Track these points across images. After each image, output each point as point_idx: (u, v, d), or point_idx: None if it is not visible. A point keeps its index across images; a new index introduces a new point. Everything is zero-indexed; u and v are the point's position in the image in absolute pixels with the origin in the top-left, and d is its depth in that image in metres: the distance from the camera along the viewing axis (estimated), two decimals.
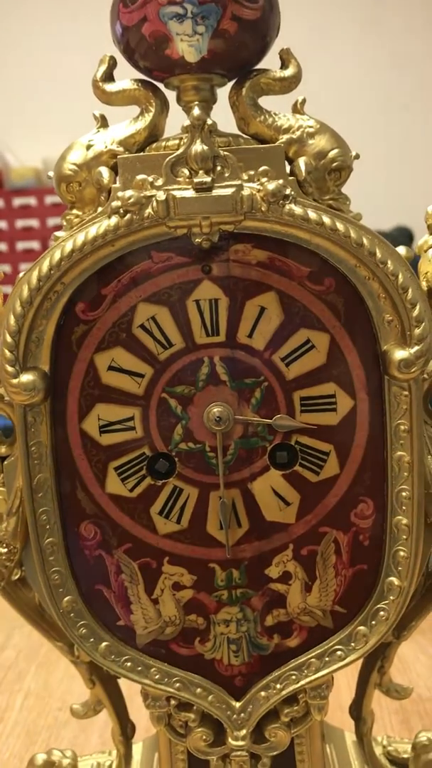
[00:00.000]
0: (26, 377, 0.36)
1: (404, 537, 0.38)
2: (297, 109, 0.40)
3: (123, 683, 0.50)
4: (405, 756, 0.53)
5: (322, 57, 2.83)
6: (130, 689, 0.50)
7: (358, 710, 0.49)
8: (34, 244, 2.70)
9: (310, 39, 2.80)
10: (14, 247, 2.66)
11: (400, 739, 0.57)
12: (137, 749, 0.55)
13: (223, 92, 0.42)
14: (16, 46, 2.88)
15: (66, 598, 0.39)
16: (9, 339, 0.36)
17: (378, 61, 2.92)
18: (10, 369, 0.36)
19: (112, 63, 0.41)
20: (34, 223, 2.71)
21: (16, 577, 0.44)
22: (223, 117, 0.41)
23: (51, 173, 0.41)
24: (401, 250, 0.39)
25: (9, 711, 0.75)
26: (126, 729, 0.49)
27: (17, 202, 2.71)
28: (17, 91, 2.89)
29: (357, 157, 0.41)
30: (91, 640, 0.40)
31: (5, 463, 0.41)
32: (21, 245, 2.68)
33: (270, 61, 0.41)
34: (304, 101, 0.41)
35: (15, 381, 0.36)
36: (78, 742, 0.69)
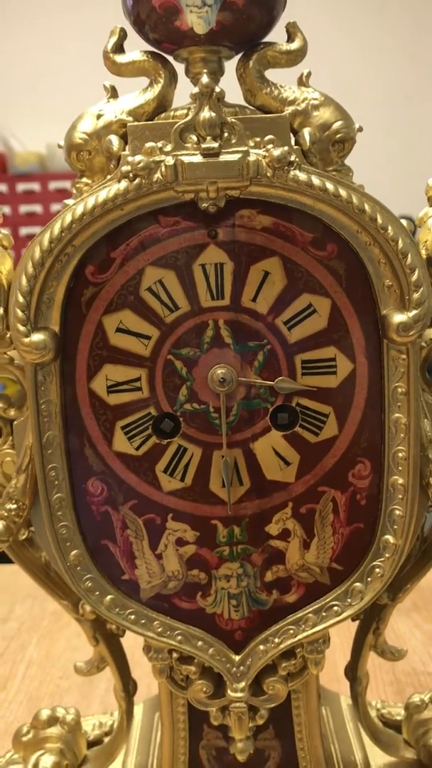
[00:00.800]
0: (37, 336, 0.37)
1: (400, 497, 0.40)
2: (302, 81, 0.41)
3: (125, 643, 0.51)
4: (398, 718, 0.55)
5: (326, 48, 2.82)
6: (132, 648, 0.51)
7: (353, 671, 0.50)
8: (38, 230, 2.68)
9: (315, 29, 2.80)
10: (18, 232, 2.67)
11: (394, 704, 0.59)
12: (138, 710, 0.57)
13: (231, 65, 0.43)
14: (21, 32, 2.87)
15: (73, 552, 0.41)
16: (21, 299, 0.37)
17: (382, 52, 2.92)
18: (21, 328, 0.37)
19: (123, 35, 0.42)
20: (37, 208, 2.71)
21: (24, 537, 0.46)
22: (230, 89, 0.42)
23: (62, 142, 0.42)
24: (403, 220, 0.40)
25: (12, 679, 0.77)
26: (128, 686, 0.50)
27: (21, 187, 2.71)
28: (21, 76, 2.89)
29: (360, 129, 0.43)
30: (97, 593, 0.41)
31: (15, 423, 0.42)
32: (24, 230, 2.68)
33: (277, 35, 0.42)
34: (309, 74, 0.42)
35: (26, 340, 0.37)
36: (80, 708, 0.71)
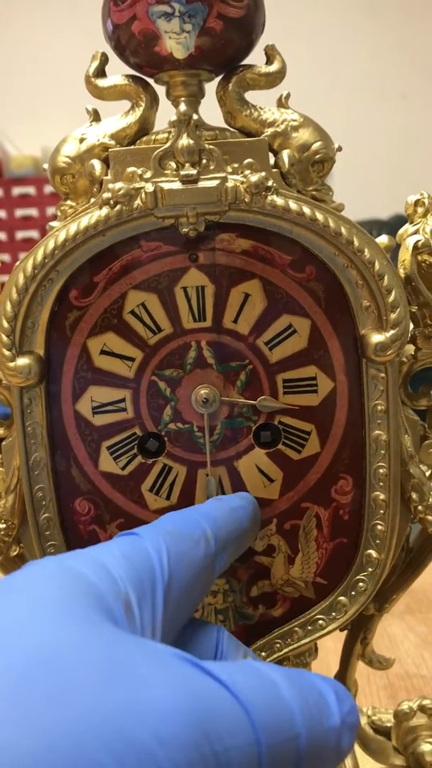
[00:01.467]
0: (22, 361, 0.38)
1: (381, 511, 0.40)
2: (282, 103, 0.42)
3: None
4: (388, 725, 0.55)
5: (321, 45, 2.83)
6: None
7: (342, 680, 0.51)
8: (33, 233, 2.71)
9: (310, 27, 2.80)
10: (13, 236, 2.68)
11: (385, 710, 0.59)
12: None
13: (211, 87, 0.43)
14: (15, 36, 2.88)
15: None
16: (6, 324, 0.38)
17: (377, 49, 2.92)
18: (6, 353, 0.38)
19: (104, 59, 0.42)
20: (33, 212, 2.72)
21: (15, 553, 0.46)
22: (211, 111, 0.43)
23: (46, 165, 0.43)
24: (384, 238, 0.40)
25: None
26: None
27: (16, 191, 2.72)
28: (16, 80, 2.89)
29: (339, 149, 0.43)
30: None
31: (3, 443, 0.43)
32: (20, 234, 2.69)
33: (256, 58, 0.43)
34: (288, 96, 0.42)
35: (12, 364, 0.38)
36: None
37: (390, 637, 0.84)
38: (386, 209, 2.58)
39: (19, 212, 2.71)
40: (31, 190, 2.72)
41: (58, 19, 2.84)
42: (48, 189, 2.71)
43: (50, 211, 2.71)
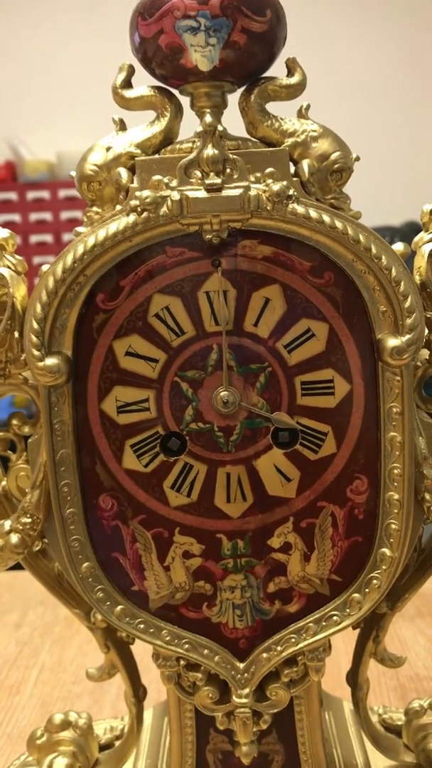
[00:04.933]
0: (51, 361, 0.40)
1: (395, 511, 0.41)
2: (302, 114, 0.44)
3: (135, 649, 0.53)
4: (399, 723, 0.56)
5: (336, 54, 2.85)
6: (141, 654, 0.53)
7: (354, 678, 0.52)
8: (47, 237, 2.73)
9: (325, 36, 2.82)
10: (28, 240, 2.70)
11: (396, 709, 0.60)
12: (148, 715, 0.59)
13: (234, 97, 0.45)
14: (31, 41, 2.91)
15: (85, 564, 0.43)
16: (35, 326, 0.40)
17: (391, 57, 2.93)
18: (36, 353, 0.40)
19: (131, 71, 0.44)
20: (47, 216, 2.74)
21: (38, 548, 0.48)
22: (233, 121, 0.44)
23: (73, 172, 0.44)
24: (399, 246, 0.42)
25: (25, 684, 0.79)
26: (138, 691, 0.52)
27: (31, 195, 2.75)
28: (31, 85, 2.92)
29: (357, 159, 0.45)
30: (108, 603, 0.43)
31: (29, 441, 0.44)
32: (34, 238, 2.72)
33: (278, 69, 0.44)
34: (308, 107, 0.44)
35: (41, 364, 0.40)
36: (91, 712, 0.73)
37: (401, 639, 0.84)
38: (398, 216, 2.59)
39: (33, 216, 2.74)
40: (45, 194, 2.74)
41: (74, 25, 2.87)
42: (62, 193, 2.73)
43: (64, 215, 2.73)
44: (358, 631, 0.52)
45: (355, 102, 2.86)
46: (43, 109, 2.90)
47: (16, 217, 2.73)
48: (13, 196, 2.75)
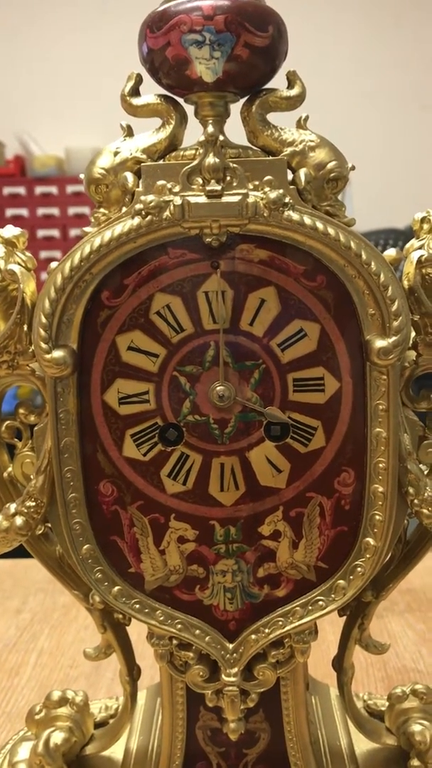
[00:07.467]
0: (57, 353, 0.42)
1: (380, 503, 0.44)
2: (300, 125, 0.46)
3: (130, 631, 0.56)
4: (382, 709, 0.59)
5: (343, 57, 2.86)
6: (136, 642, 0.56)
7: (339, 663, 0.54)
8: (55, 232, 2.75)
9: (332, 40, 2.84)
10: (35, 234, 2.72)
11: (380, 696, 0.63)
12: (141, 696, 0.61)
13: (236, 107, 0.47)
14: (41, 37, 2.93)
15: (85, 546, 0.45)
16: (44, 320, 0.42)
17: (398, 61, 2.95)
18: (44, 346, 0.42)
19: (139, 79, 0.46)
20: (54, 211, 2.76)
21: (40, 532, 0.50)
22: (235, 129, 0.47)
23: (82, 175, 0.47)
24: (391, 251, 0.44)
25: (24, 666, 0.81)
26: (132, 671, 0.54)
27: (39, 190, 2.77)
28: (41, 81, 2.94)
29: (353, 168, 0.47)
30: (105, 584, 0.46)
31: (35, 429, 0.47)
32: (42, 233, 2.74)
33: (278, 82, 0.47)
34: (306, 118, 0.46)
35: (48, 356, 0.42)
36: (88, 694, 0.75)
37: (390, 633, 0.87)
38: (403, 219, 2.60)
39: (41, 211, 2.76)
40: (53, 189, 2.76)
41: (84, 22, 2.89)
42: (70, 189, 2.76)
43: (72, 210, 2.75)
44: (344, 618, 0.54)
45: (361, 107, 2.88)
46: (52, 106, 2.93)
47: (24, 212, 2.76)
48: (21, 190, 2.77)
